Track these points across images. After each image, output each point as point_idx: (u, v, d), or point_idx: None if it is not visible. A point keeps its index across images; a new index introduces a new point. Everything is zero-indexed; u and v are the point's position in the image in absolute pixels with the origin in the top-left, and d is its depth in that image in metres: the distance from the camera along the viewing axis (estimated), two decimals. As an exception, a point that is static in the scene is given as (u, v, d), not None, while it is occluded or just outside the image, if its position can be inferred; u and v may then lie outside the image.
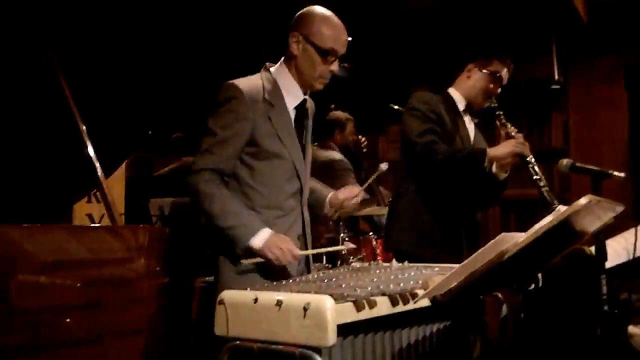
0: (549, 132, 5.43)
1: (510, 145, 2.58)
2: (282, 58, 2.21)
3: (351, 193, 2.26)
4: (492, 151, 2.59)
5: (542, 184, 2.51)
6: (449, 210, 2.68)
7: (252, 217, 2.06)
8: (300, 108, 2.22)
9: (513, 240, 1.42)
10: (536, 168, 2.56)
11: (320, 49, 2.11)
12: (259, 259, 2.03)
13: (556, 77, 5.06)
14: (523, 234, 1.44)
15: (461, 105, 2.81)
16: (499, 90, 2.77)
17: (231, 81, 2.12)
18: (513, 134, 2.63)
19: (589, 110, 5.29)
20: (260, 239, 2.01)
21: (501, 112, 2.70)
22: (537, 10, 4.56)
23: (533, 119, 5.42)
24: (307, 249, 2.23)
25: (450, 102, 2.79)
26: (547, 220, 1.41)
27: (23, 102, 2.74)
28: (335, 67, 2.16)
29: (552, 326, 2.40)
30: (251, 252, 2.02)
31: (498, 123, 2.69)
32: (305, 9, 2.18)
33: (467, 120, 2.83)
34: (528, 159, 2.56)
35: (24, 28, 2.78)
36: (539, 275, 1.87)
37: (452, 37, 4.76)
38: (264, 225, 2.05)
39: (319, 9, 2.17)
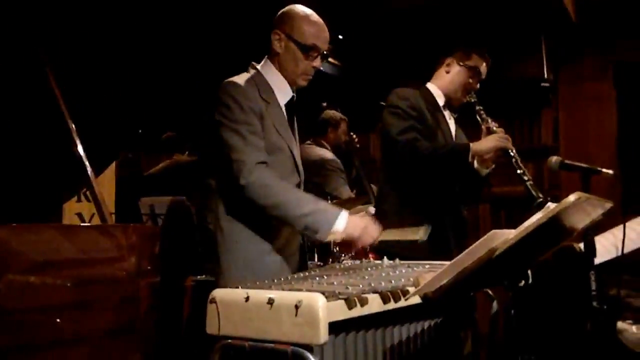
0: (539, 129, 5.45)
1: (493, 139, 2.56)
2: (266, 57, 2.23)
3: None
4: (475, 146, 2.57)
5: (526, 177, 2.48)
6: (433, 208, 2.65)
7: (326, 203, 2.11)
8: (290, 104, 2.24)
9: (503, 237, 1.43)
10: (519, 162, 2.53)
11: (302, 45, 2.14)
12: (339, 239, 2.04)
13: (546, 75, 5.09)
14: (513, 230, 1.45)
15: (440, 101, 2.78)
16: (478, 85, 2.76)
17: (230, 79, 2.14)
18: (494, 128, 2.61)
19: (578, 108, 5.32)
20: (342, 221, 2.02)
21: (481, 107, 2.68)
22: (527, 9, 4.58)
23: (523, 117, 5.44)
24: (305, 251, 2.25)
25: (430, 97, 2.77)
26: (536, 217, 1.41)
27: (12, 102, 2.72)
28: (317, 63, 2.18)
29: (543, 322, 2.41)
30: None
31: (479, 118, 2.67)
32: (286, 8, 2.21)
33: (447, 115, 2.81)
34: (511, 153, 2.54)
35: (14, 28, 2.76)
36: (529, 271, 1.88)
37: (442, 36, 4.77)
38: (340, 209, 2.06)
39: (299, 7, 2.21)
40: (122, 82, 3.37)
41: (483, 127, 2.66)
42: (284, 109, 2.22)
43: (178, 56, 4.25)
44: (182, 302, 2.98)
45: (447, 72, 2.77)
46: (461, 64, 2.73)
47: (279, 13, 2.22)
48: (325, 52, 2.20)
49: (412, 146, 2.59)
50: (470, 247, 1.44)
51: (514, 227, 1.48)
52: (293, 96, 2.24)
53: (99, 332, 2.25)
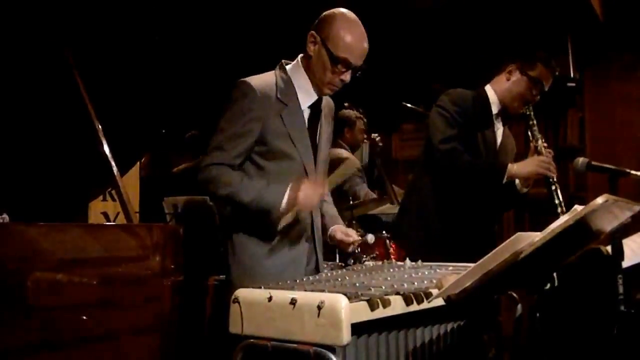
0: (565, 129, 5.38)
1: (533, 164, 2.50)
2: (300, 55, 2.18)
3: (347, 238, 2.23)
4: (515, 169, 2.52)
5: (559, 210, 2.42)
6: (461, 216, 2.62)
7: (273, 185, 2.06)
8: (315, 107, 2.20)
9: (528, 239, 1.41)
10: (559, 192, 2.46)
11: (333, 55, 2.06)
12: (291, 216, 2.04)
13: (572, 74, 5.01)
14: (539, 233, 1.43)
15: (495, 107, 2.68)
16: (538, 97, 2.61)
17: (244, 79, 2.11)
18: (542, 150, 2.52)
19: (605, 108, 5.23)
20: (286, 196, 2.02)
21: (534, 122, 2.56)
22: (553, 8, 4.52)
23: (548, 117, 5.36)
24: (316, 253, 2.21)
25: (483, 103, 2.67)
26: (563, 220, 1.39)
27: (40, 102, 2.77)
28: (346, 77, 2.10)
29: (568, 326, 2.37)
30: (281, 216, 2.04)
31: (530, 134, 2.57)
32: (330, 11, 2.12)
33: (497, 123, 2.71)
34: (551, 180, 2.48)
35: (41, 29, 2.81)
36: (555, 274, 1.85)
37: (467, 36, 4.73)
38: (286, 187, 2.04)
39: (343, 14, 2.11)
40: (146, 82, 3.40)
41: (531, 145, 2.57)
42: (306, 111, 2.17)
43: (204, 55, 4.28)
44: (204, 302, 3.00)
45: (508, 80, 2.64)
46: (523, 73, 2.60)
47: (322, 15, 2.13)
48: (357, 67, 2.11)
49: (451, 157, 2.56)
50: (495, 250, 1.42)
51: (538, 230, 1.46)
52: (319, 99, 2.19)
53: (123, 330, 2.27)
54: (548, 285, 1.57)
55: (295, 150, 2.12)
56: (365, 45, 2.11)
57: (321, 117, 2.24)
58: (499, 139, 2.73)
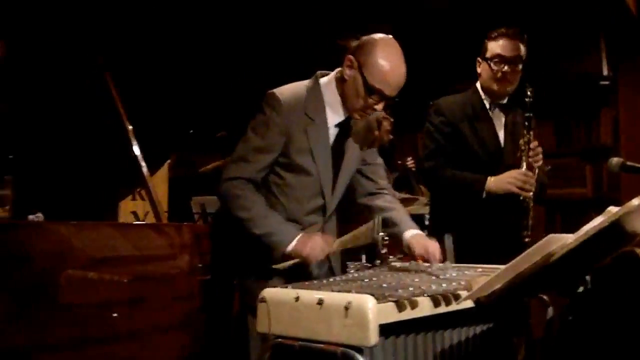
0: (598, 129, 5.27)
1: (506, 182, 2.48)
2: (336, 71, 2.12)
3: (428, 255, 2.10)
4: (492, 186, 2.50)
5: (524, 233, 2.45)
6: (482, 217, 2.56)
7: (287, 225, 2.04)
8: (343, 126, 2.14)
9: (561, 241, 1.39)
10: (529, 212, 2.47)
11: (368, 85, 1.99)
12: (292, 262, 2.01)
13: (605, 72, 4.91)
14: (571, 235, 1.40)
15: (487, 101, 2.68)
16: (507, 67, 2.57)
17: (274, 90, 2.07)
18: (528, 149, 2.49)
19: (639, 107, 5.11)
20: (294, 241, 1.99)
21: (531, 115, 2.52)
22: (585, 4, 4.43)
23: (581, 116, 5.27)
24: (329, 265, 2.19)
25: (477, 99, 2.68)
26: (597, 222, 1.36)
27: (75, 106, 2.83)
28: (379, 107, 2.05)
29: (601, 330, 2.33)
30: (286, 257, 2.01)
31: (524, 130, 2.53)
32: (371, 37, 2.04)
33: (496, 114, 2.68)
34: (522, 198, 2.47)
35: (76, 37, 2.88)
36: (587, 277, 1.82)
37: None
38: (298, 232, 2.02)
39: (385, 42, 2.02)
40: (174, 85, 3.45)
41: (520, 142, 2.53)
42: (332, 129, 2.12)
43: (235, 58, 4.31)
44: (231, 300, 3.03)
45: (479, 71, 2.69)
46: (482, 59, 2.64)
47: (362, 39, 2.04)
48: (390, 99, 2.04)
49: (431, 175, 2.63)
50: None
51: (570, 231, 1.43)
52: (348, 118, 2.12)
53: (152, 328, 2.31)
54: (581, 288, 1.54)
55: (315, 167, 2.08)
56: (403, 78, 2.03)
57: (350, 137, 2.18)
58: (501, 132, 2.68)
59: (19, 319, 2.00)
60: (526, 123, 2.53)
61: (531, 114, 2.53)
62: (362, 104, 2.04)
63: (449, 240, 2.53)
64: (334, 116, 2.11)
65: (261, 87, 2.15)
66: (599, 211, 1.48)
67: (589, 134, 5.28)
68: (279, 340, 1.63)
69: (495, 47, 2.60)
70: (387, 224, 2.19)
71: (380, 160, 2.37)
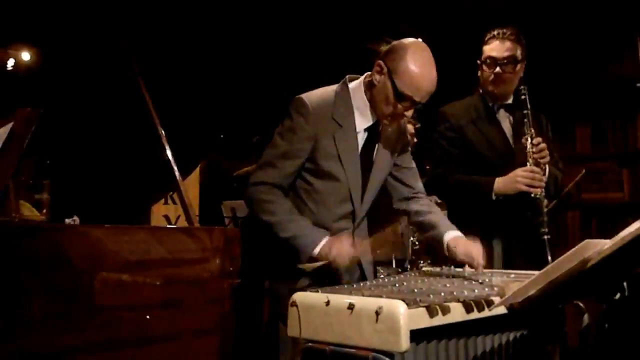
0: (634, 133, 5.15)
1: (514, 181, 2.46)
2: (365, 75, 2.11)
3: (470, 259, 2.04)
4: (500, 187, 2.49)
5: (541, 230, 2.39)
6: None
7: (314, 228, 2.04)
8: (372, 131, 2.13)
9: (597, 247, 1.36)
10: (543, 209, 2.42)
11: (397, 91, 1.97)
12: (320, 263, 2.01)
13: (641, 75, 4.79)
14: (607, 241, 1.37)
15: (490, 102, 2.69)
16: (498, 69, 2.58)
17: (301, 95, 2.07)
18: (532, 145, 2.47)
19: (677, 110, 4.98)
20: (320, 244, 1.99)
21: (528, 112, 2.51)
22: (621, 6, 4.34)
23: (617, 119, 5.15)
24: (361, 270, 2.18)
25: (480, 101, 2.70)
26: (634, 227, 1.33)
27: (108, 110, 2.88)
28: (408, 113, 2.03)
29: (638, 337, 2.27)
30: (314, 260, 2.01)
31: (524, 128, 2.52)
32: (402, 42, 2.02)
33: (503, 115, 2.68)
34: (533, 195, 2.44)
35: (110, 40, 2.94)
36: (625, 283, 1.77)
37: (532, 38, 4.62)
38: (325, 234, 2.02)
39: (416, 47, 2.00)
40: (207, 90, 3.49)
41: (522, 140, 2.51)
42: (361, 134, 2.11)
43: (268, 62, 4.34)
44: (262, 305, 3.04)
45: (479, 74, 2.70)
46: (479, 62, 2.67)
47: (392, 44, 2.02)
48: (420, 105, 2.03)
49: (439, 182, 2.63)
50: (561, 257, 1.38)
51: (606, 237, 1.40)
52: (377, 122, 2.11)
53: (184, 332, 2.33)
54: (617, 295, 1.50)
55: (343, 173, 2.07)
56: (434, 84, 2.00)
57: (379, 141, 2.17)
58: (509, 133, 2.66)
59: (56, 321, 2.04)
60: (525, 120, 2.52)
61: (527, 111, 2.53)
62: (392, 110, 2.02)
63: (497, 246, 2.49)
64: (363, 120, 2.10)
65: (292, 92, 2.16)
66: (636, 216, 1.45)
67: (626, 137, 5.16)
68: (310, 344, 1.64)
69: (487, 49, 2.64)
70: (425, 227, 2.19)
71: (414, 164, 2.34)
